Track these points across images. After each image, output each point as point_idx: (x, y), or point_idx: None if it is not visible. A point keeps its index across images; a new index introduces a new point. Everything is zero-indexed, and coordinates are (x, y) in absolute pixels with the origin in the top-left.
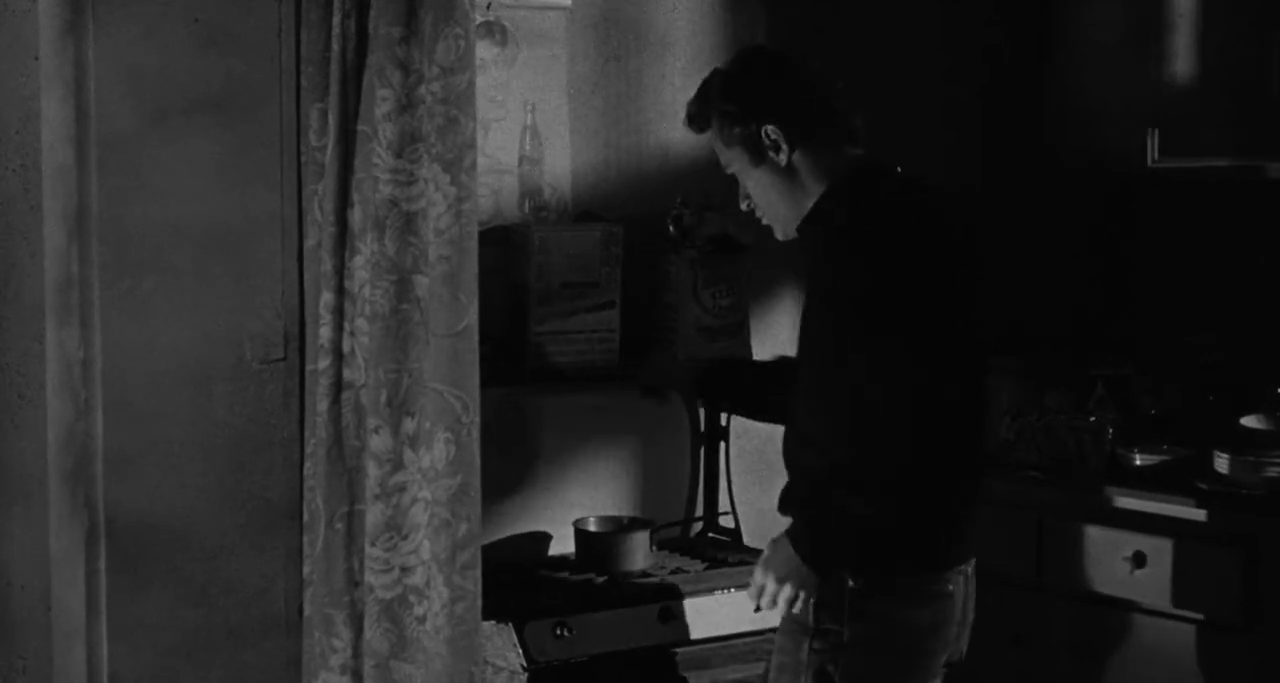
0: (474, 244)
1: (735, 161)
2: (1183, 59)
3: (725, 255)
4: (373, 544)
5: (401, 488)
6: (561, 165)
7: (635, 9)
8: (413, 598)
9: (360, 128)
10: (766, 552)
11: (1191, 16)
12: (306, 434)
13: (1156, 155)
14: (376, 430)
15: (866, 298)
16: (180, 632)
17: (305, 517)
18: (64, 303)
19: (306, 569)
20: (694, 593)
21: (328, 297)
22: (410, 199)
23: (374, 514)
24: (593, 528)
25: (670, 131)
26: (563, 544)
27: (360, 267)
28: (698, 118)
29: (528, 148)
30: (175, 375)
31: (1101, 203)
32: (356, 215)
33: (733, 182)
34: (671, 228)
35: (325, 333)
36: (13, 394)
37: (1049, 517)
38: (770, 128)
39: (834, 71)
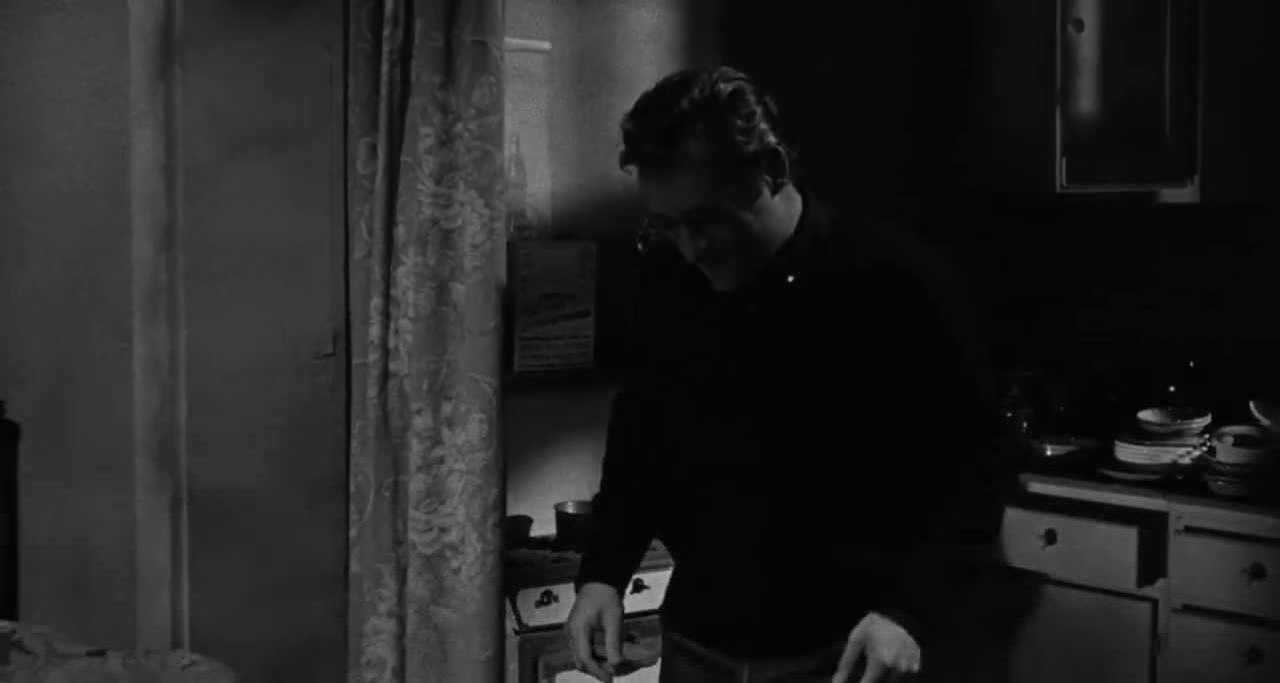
0: (503, 256)
1: (735, 200)
2: (1086, 97)
3: None
4: (415, 508)
5: (440, 461)
6: (542, 190)
7: (606, 51)
8: (449, 553)
9: (404, 159)
10: (863, 636)
11: (1093, 60)
12: (353, 418)
13: (1064, 182)
14: (419, 412)
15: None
16: (249, 585)
17: (352, 488)
18: (153, 306)
19: (353, 532)
20: (658, 566)
21: (376, 300)
22: (449, 219)
23: (416, 483)
24: (571, 510)
25: None
26: (544, 527)
27: (404, 275)
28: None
29: (512, 174)
30: (245, 368)
31: (1015, 223)
32: (400, 233)
33: None
34: (639, 245)
35: (374, 331)
36: (104, 383)
37: None
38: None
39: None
